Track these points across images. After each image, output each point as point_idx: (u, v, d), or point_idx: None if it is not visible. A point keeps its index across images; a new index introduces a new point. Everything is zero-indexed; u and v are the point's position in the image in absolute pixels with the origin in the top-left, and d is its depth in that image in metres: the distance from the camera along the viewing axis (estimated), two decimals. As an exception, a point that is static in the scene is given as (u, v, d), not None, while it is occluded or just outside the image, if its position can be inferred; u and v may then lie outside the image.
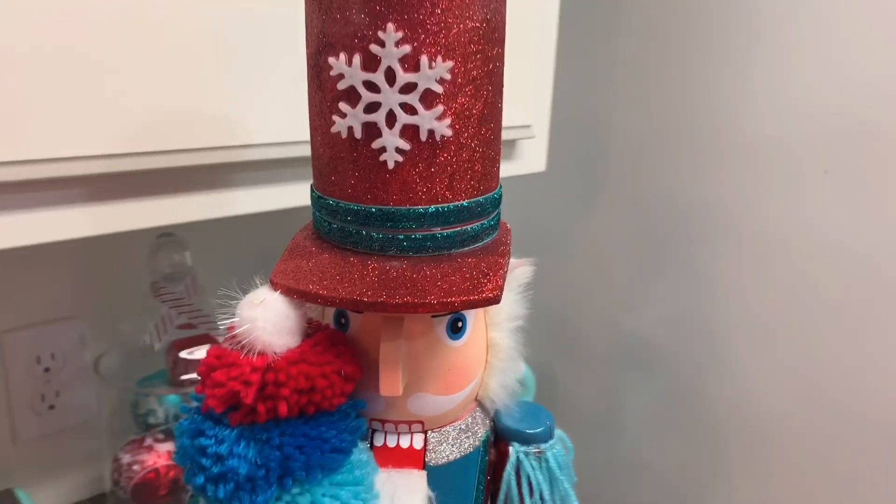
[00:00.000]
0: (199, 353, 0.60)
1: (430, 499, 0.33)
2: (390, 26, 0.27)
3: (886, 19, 0.54)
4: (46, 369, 0.65)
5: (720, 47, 0.65)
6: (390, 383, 0.30)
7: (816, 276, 0.62)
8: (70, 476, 0.69)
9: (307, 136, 0.33)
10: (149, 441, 0.62)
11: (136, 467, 0.61)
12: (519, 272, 0.36)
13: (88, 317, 0.66)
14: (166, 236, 0.61)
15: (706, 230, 0.69)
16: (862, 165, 0.57)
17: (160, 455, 0.62)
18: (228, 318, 0.30)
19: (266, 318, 0.30)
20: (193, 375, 0.59)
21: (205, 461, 0.29)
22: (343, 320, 0.34)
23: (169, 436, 0.61)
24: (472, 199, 0.31)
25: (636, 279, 0.74)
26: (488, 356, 0.36)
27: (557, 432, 0.38)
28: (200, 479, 0.30)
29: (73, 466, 0.69)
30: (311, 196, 0.33)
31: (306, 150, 0.34)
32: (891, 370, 0.59)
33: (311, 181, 0.33)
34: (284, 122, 0.46)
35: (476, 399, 0.37)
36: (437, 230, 0.30)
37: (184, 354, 0.60)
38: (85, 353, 0.64)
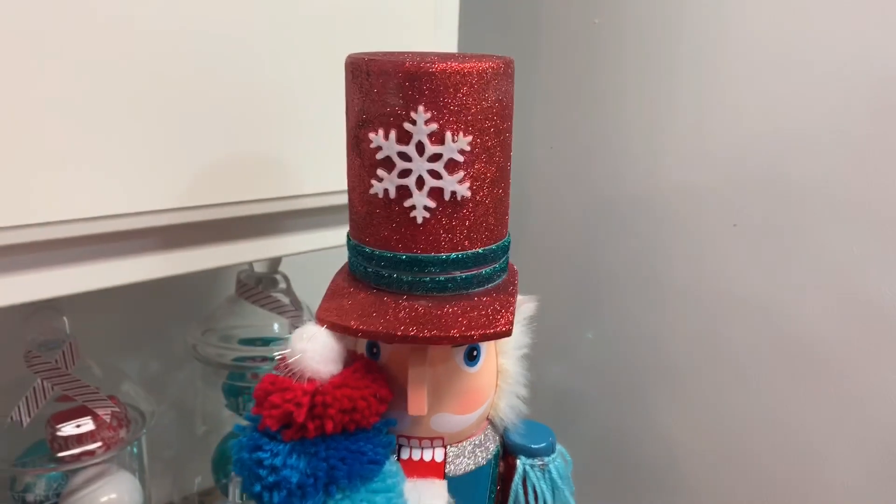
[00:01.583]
0: (84, 426, 0.58)
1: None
2: (421, 108, 0.33)
3: (792, 73, 0.58)
4: None
5: (635, 102, 0.69)
6: (417, 404, 0.36)
7: (725, 328, 0.65)
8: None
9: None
10: None
11: (16, 550, 0.56)
12: (525, 307, 0.42)
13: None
14: (43, 301, 0.59)
15: (624, 283, 0.72)
16: (769, 219, 0.61)
17: None
18: (280, 351, 0.36)
19: (314, 350, 0.35)
20: (73, 451, 0.57)
21: (262, 472, 0.35)
22: (375, 350, 0.39)
23: (51, 512, 0.58)
24: (486, 247, 0.37)
25: (559, 333, 0.78)
26: (498, 380, 0.41)
27: (558, 447, 0.43)
28: (258, 487, 0.35)
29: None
30: (349, 244, 0.39)
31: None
32: (791, 423, 0.62)
33: (348, 230, 0.39)
34: (326, 175, 0.52)
35: (488, 418, 0.42)
36: (458, 273, 0.36)
37: (64, 429, 0.57)
38: None
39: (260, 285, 0.71)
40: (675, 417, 0.71)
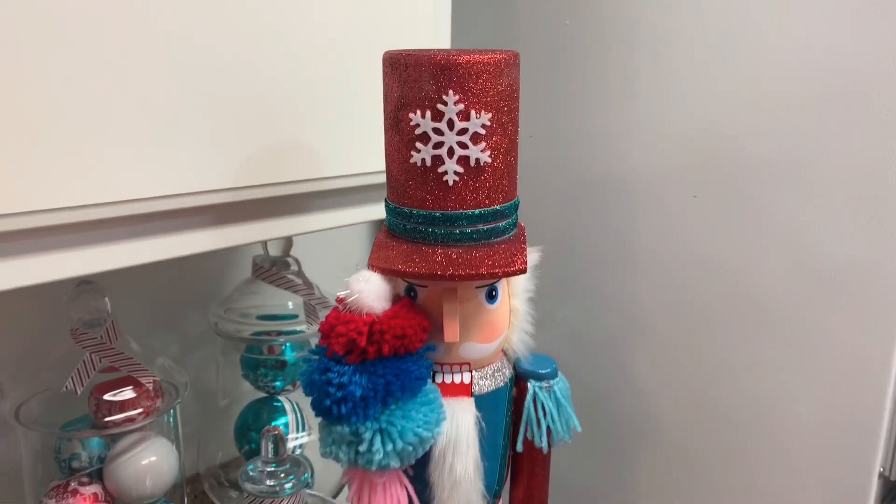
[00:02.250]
0: (125, 394, 0.65)
1: (476, 417, 0.47)
2: (451, 92, 0.42)
3: (743, 61, 0.67)
4: None
5: (603, 93, 0.78)
6: (452, 332, 0.45)
7: (691, 290, 0.74)
8: (-7, 528, 0.73)
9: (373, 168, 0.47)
10: (73, 485, 0.65)
11: (61, 513, 0.62)
12: (532, 256, 0.51)
13: (5, 367, 0.71)
14: (85, 284, 0.65)
15: (600, 255, 0.81)
16: (725, 189, 0.70)
17: (86, 498, 0.65)
18: (341, 292, 0.44)
19: (370, 290, 0.44)
20: (117, 417, 0.64)
21: (331, 389, 0.43)
22: (412, 294, 0.48)
23: (94, 478, 0.66)
24: (502, 205, 0.46)
25: (542, 305, 0.87)
26: (511, 318, 0.50)
27: (559, 373, 0.52)
28: (328, 402, 0.43)
29: (-3, 517, 0.73)
30: (388, 206, 0.47)
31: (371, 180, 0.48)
32: (751, 371, 0.71)
33: (386, 196, 0.48)
34: (347, 160, 0.60)
35: (503, 350, 0.51)
36: (481, 226, 0.45)
37: (108, 397, 0.64)
38: (6, 407, 0.66)
39: (274, 267, 0.79)
40: (649, 373, 0.80)
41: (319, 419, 0.45)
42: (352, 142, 0.60)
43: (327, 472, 0.84)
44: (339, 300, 0.44)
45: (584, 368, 0.85)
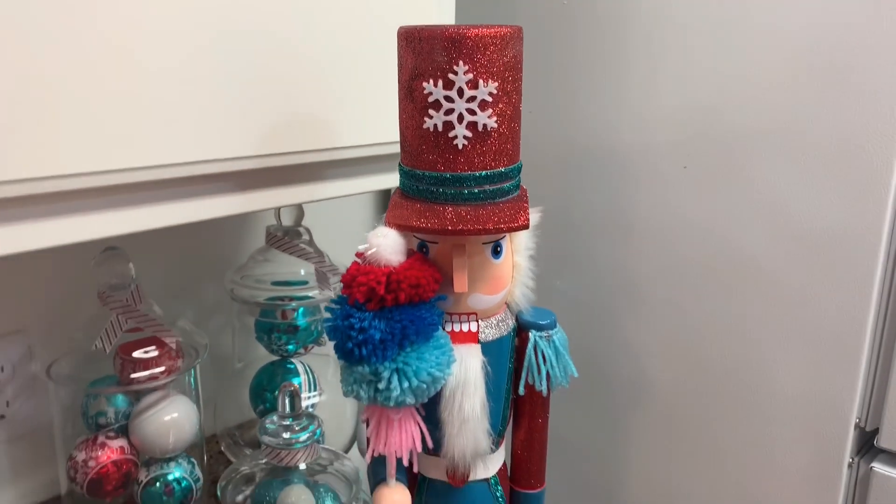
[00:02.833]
0: (149, 353, 0.69)
1: (483, 362, 0.52)
2: (461, 63, 0.46)
3: (732, 37, 0.71)
4: None
5: (599, 71, 0.82)
6: (461, 283, 0.49)
7: (680, 254, 0.78)
8: (25, 481, 0.77)
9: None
10: (101, 439, 0.69)
11: (91, 463, 0.68)
12: (532, 216, 0.55)
13: (35, 329, 0.75)
14: (111, 250, 0.69)
15: (595, 227, 0.85)
16: (714, 160, 0.74)
17: (113, 451, 0.69)
18: (361, 246, 0.49)
19: (387, 244, 0.48)
20: (142, 374, 0.68)
21: (353, 333, 0.47)
22: (424, 249, 0.52)
23: (120, 433, 0.70)
24: (507, 167, 0.50)
25: (543, 275, 0.91)
26: (514, 273, 0.55)
27: (558, 325, 0.57)
28: (350, 345, 0.47)
29: (28, 472, 0.77)
30: (401, 170, 0.52)
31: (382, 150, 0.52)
32: (736, 327, 0.76)
33: (400, 160, 0.52)
34: (360, 131, 0.64)
35: (506, 303, 0.55)
36: (487, 187, 0.50)
37: (133, 356, 0.68)
38: (33, 364, 0.71)
39: (286, 236, 0.83)
40: (641, 335, 0.85)
41: (342, 361, 0.49)
42: (365, 113, 0.64)
43: (339, 433, 0.88)
44: (359, 254, 0.49)
45: (578, 331, 0.90)
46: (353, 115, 0.64)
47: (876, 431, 0.70)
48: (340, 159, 0.65)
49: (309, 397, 0.86)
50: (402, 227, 0.48)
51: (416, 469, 0.53)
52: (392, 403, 0.48)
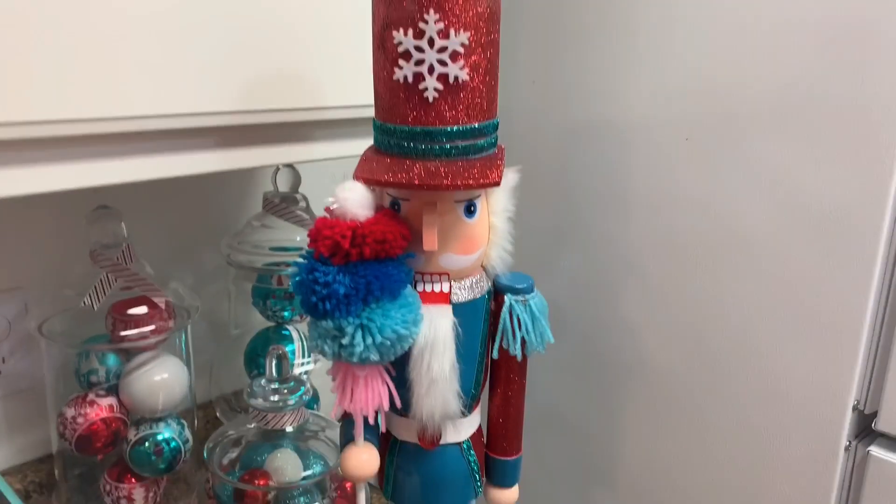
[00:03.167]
0: (139, 312, 0.69)
1: (453, 323, 0.51)
2: (431, 11, 0.45)
3: (739, 12, 0.69)
4: None
5: (604, 43, 0.80)
6: (430, 241, 0.48)
7: (680, 229, 0.76)
8: (19, 438, 0.78)
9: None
10: (91, 396, 0.69)
11: (79, 420, 0.68)
12: (509, 177, 0.54)
13: (31, 287, 0.76)
14: (102, 208, 0.69)
15: (597, 204, 0.84)
16: (716, 133, 0.72)
17: (102, 408, 0.69)
18: (327, 199, 0.48)
19: (353, 198, 0.47)
20: (131, 332, 0.69)
21: (317, 287, 0.47)
22: (396, 207, 0.51)
23: (110, 392, 0.70)
24: (481, 123, 0.49)
25: (543, 251, 0.90)
26: (490, 235, 0.54)
27: (536, 290, 0.56)
28: (314, 299, 0.47)
29: (23, 429, 0.78)
30: (375, 124, 0.51)
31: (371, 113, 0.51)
32: (733, 303, 0.74)
33: (374, 115, 0.51)
34: (347, 91, 0.63)
35: (482, 266, 0.54)
36: (459, 142, 0.48)
37: (124, 314, 0.69)
38: (29, 321, 0.70)
39: (283, 203, 0.83)
40: (639, 311, 0.83)
41: (307, 317, 0.49)
42: (353, 74, 0.64)
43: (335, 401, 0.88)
44: (327, 209, 0.48)
45: (576, 308, 0.89)
46: (340, 74, 0.63)
47: (874, 414, 0.68)
48: (327, 120, 0.64)
49: (302, 364, 0.86)
50: (368, 182, 0.47)
51: (383, 428, 0.53)
52: (356, 359, 0.47)
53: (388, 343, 0.47)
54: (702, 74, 0.73)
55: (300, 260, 0.48)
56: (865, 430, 0.71)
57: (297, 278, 0.48)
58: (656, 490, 0.85)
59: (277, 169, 0.82)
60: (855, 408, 0.68)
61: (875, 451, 0.67)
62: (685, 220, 0.77)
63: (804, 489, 0.72)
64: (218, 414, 0.91)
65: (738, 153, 0.72)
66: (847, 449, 0.69)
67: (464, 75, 0.47)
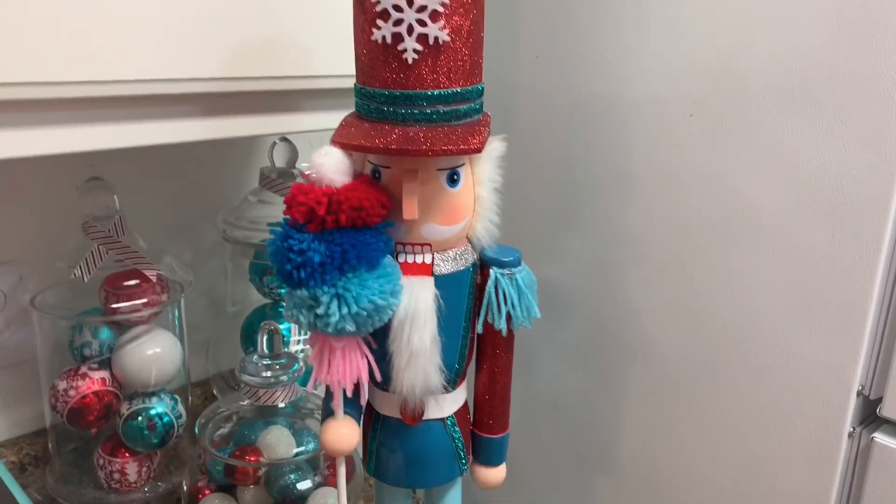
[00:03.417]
0: (132, 286, 0.69)
1: (435, 295, 0.50)
2: (409, -31, 0.44)
3: None
4: None
5: (608, 19, 0.77)
6: (410, 209, 0.47)
7: (684, 206, 0.74)
8: (14, 411, 0.78)
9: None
10: (83, 370, 0.69)
11: (71, 393, 0.68)
12: (495, 146, 0.52)
13: (26, 260, 0.76)
14: (94, 180, 0.69)
15: (600, 183, 0.81)
16: (721, 108, 0.69)
17: (94, 381, 0.69)
18: (305, 166, 0.47)
19: (330, 163, 0.46)
20: (123, 304, 0.69)
21: (291, 255, 0.45)
22: (377, 175, 0.50)
23: (103, 365, 0.70)
24: (462, 87, 0.47)
25: (549, 234, 0.88)
26: (476, 206, 0.52)
27: (524, 265, 0.54)
28: (288, 267, 0.46)
29: (17, 402, 0.78)
30: (355, 88, 0.49)
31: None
32: (738, 281, 0.71)
33: (355, 79, 0.50)
34: (337, 60, 0.62)
35: (468, 238, 0.53)
36: (440, 107, 0.47)
37: (116, 287, 0.68)
38: (24, 295, 0.70)
39: (280, 178, 0.82)
40: (642, 292, 0.81)
41: (283, 285, 0.47)
42: (343, 42, 0.62)
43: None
44: (304, 174, 0.47)
45: (578, 288, 0.87)
46: (329, 41, 0.61)
47: (879, 400, 0.65)
48: (316, 89, 0.63)
49: (299, 341, 0.85)
50: (345, 146, 0.46)
51: (363, 401, 0.51)
52: (331, 330, 0.46)
53: (365, 314, 0.46)
54: (706, 49, 0.71)
55: (276, 227, 0.47)
56: (870, 416, 0.68)
57: (272, 245, 0.47)
58: (659, 474, 0.84)
59: (274, 143, 0.81)
60: (859, 393, 0.66)
61: (879, 437, 0.65)
62: (689, 200, 0.75)
63: (807, 475, 0.70)
64: (215, 391, 0.91)
65: (743, 129, 0.70)
66: (851, 435, 0.67)
67: (444, 36, 0.45)
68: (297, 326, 0.85)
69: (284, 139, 0.80)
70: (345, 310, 0.45)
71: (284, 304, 0.48)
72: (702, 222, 0.74)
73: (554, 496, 0.97)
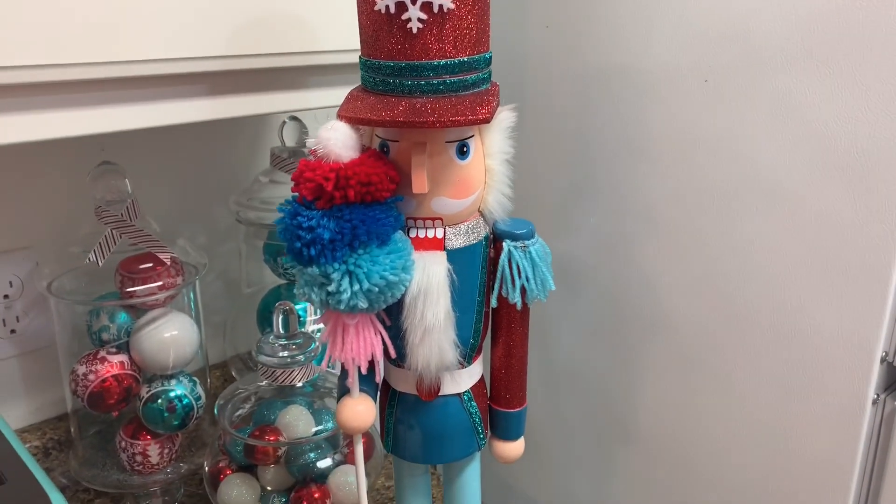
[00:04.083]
0: (147, 269, 0.69)
1: (448, 270, 0.49)
2: (412, -65, 0.42)
3: None
4: (5, 296, 0.75)
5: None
6: (420, 182, 0.46)
7: (700, 172, 0.72)
8: (36, 397, 0.79)
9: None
10: (102, 353, 0.69)
11: (91, 377, 0.68)
12: (504, 116, 0.51)
13: (41, 246, 0.76)
14: (106, 164, 0.69)
15: (615, 152, 0.80)
16: (736, 72, 0.68)
17: (113, 365, 0.69)
18: (311, 142, 0.46)
19: (336, 138, 0.45)
20: (139, 288, 0.69)
21: (301, 232, 0.45)
22: (385, 149, 0.49)
23: (121, 349, 0.70)
24: (469, 56, 0.46)
25: (565, 206, 0.86)
26: (487, 178, 0.51)
27: (537, 237, 0.53)
28: (298, 244, 0.45)
29: (39, 388, 0.79)
30: (360, 61, 0.48)
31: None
32: (754, 246, 0.70)
33: (360, 52, 0.49)
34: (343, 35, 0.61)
35: (479, 211, 0.52)
36: (447, 77, 0.46)
37: (132, 270, 0.68)
38: (40, 281, 0.70)
39: (291, 158, 0.81)
40: (659, 263, 0.80)
41: (294, 263, 0.47)
42: (348, 16, 0.61)
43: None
44: (311, 150, 0.46)
45: (595, 260, 0.86)
46: (334, 16, 0.60)
47: (905, 366, 0.64)
48: (322, 65, 0.62)
49: (315, 321, 0.85)
50: (351, 120, 0.45)
51: (378, 378, 0.51)
52: (343, 307, 0.46)
53: (377, 290, 0.46)
54: (720, 13, 0.69)
55: (285, 204, 0.47)
56: (894, 382, 0.67)
57: (281, 223, 0.46)
58: (679, 445, 0.83)
59: (283, 123, 0.81)
60: (883, 360, 0.65)
61: (905, 403, 0.64)
62: (706, 168, 0.73)
63: (831, 443, 0.69)
64: (234, 373, 0.91)
65: (759, 94, 0.68)
66: (875, 402, 0.65)
67: (449, 3, 0.44)
68: (314, 308, 0.85)
69: (294, 118, 0.79)
70: (356, 286, 0.45)
71: (296, 283, 0.48)
72: (719, 190, 0.73)
73: (573, 470, 0.97)
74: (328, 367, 0.49)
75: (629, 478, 0.89)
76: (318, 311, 0.83)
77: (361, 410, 0.51)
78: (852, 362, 0.66)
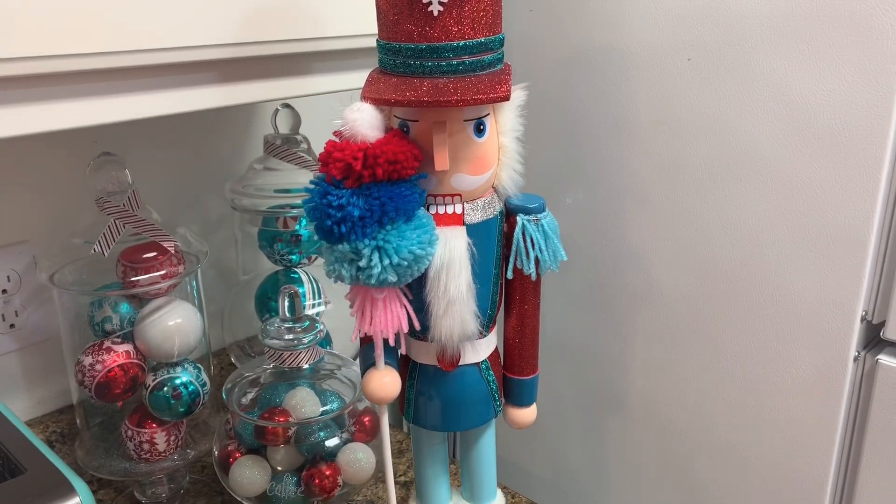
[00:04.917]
0: (149, 258, 0.69)
1: (468, 243, 0.51)
2: (432, -79, 0.44)
3: None
4: (3, 291, 0.75)
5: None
6: (442, 160, 0.48)
7: (684, 149, 0.76)
8: (39, 390, 0.78)
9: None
10: (107, 344, 0.69)
11: (97, 367, 0.68)
12: (516, 94, 0.53)
13: (39, 239, 0.76)
14: (106, 155, 0.69)
15: (600, 132, 0.83)
16: (719, 50, 0.71)
17: (118, 355, 0.69)
18: (336, 121, 0.48)
19: (363, 119, 0.47)
20: (142, 277, 0.68)
21: (331, 210, 0.47)
22: (405, 129, 0.51)
23: (126, 339, 0.70)
24: (487, 37, 0.48)
25: (552, 183, 0.89)
26: (500, 155, 0.53)
27: (548, 211, 0.56)
28: (328, 223, 0.47)
29: (41, 381, 0.78)
30: (379, 45, 0.50)
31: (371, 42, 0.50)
32: (739, 220, 0.74)
33: (377, 36, 0.50)
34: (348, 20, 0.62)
35: (493, 187, 0.54)
36: (466, 58, 0.48)
37: (133, 260, 0.68)
38: (40, 273, 0.70)
39: (284, 145, 0.82)
40: (646, 236, 0.84)
41: (323, 243, 0.49)
42: (351, 3, 0.62)
43: (348, 343, 0.89)
44: (336, 132, 0.48)
45: (583, 236, 0.89)
46: (339, 3, 0.62)
47: (883, 324, 0.68)
48: (327, 51, 0.63)
49: (314, 305, 0.86)
50: (377, 101, 0.47)
51: (403, 350, 0.53)
52: (374, 282, 0.48)
53: (406, 264, 0.48)
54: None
55: (312, 184, 0.48)
56: (874, 339, 0.71)
57: (310, 204, 0.48)
58: (668, 412, 0.87)
59: (276, 110, 0.82)
60: (863, 318, 0.69)
61: (884, 359, 0.68)
62: (689, 143, 0.77)
63: (814, 401, 0.73)
64: (233, 360, 0.92)
65: (740, 70, 0.71)
66: (856, 359, 0.70)
67: (468, -12, 0.46)
68: (311, 291, 0.86)
69: (286, 105, 0.80)
70: (386, 261, 0.47)
71: (325, 259, 0.49)
72: (702, 165, 0.76)
73: (564, 437, 1.00)
74: (354, 339, 0.51)
75: (619, 443, 0.93)
76: (320, 296, 0.85)
77: (388, 381, 0.53)
78: (834, 323, 0.70)
